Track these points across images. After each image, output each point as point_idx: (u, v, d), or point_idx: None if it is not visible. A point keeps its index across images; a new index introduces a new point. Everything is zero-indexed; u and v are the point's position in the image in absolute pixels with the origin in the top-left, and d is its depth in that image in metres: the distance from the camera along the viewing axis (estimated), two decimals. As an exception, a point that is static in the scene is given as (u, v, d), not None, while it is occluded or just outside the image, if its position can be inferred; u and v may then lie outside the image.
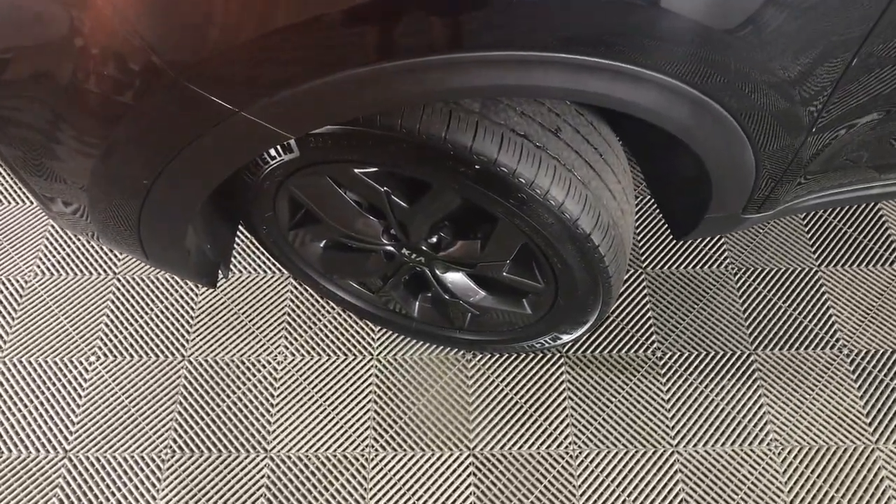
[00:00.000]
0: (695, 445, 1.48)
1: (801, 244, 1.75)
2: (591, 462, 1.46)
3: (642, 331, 1.62)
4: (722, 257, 1.73)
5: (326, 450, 1.48)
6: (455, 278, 1.32)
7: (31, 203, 1.84)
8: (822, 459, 1.46)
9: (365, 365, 1.59)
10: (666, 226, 1.77)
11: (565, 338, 1.35)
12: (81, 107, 0.85)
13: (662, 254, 1.74)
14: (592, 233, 1.00)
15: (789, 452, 1.47)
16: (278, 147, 1.01)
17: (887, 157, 1.19)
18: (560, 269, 1.10)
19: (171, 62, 0.76)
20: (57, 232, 1.79)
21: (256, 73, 0.76)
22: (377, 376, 1.57)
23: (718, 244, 1.76)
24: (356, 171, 1.05)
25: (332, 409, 1.53)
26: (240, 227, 1.65)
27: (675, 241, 1.75)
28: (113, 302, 1.68)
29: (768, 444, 1.48)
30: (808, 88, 0.90)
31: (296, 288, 1.70)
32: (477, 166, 0.92)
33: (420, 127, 0.89)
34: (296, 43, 0.73)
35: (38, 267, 1.74)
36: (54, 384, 1.57)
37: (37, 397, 1.55)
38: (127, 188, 0.97)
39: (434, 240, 1.20)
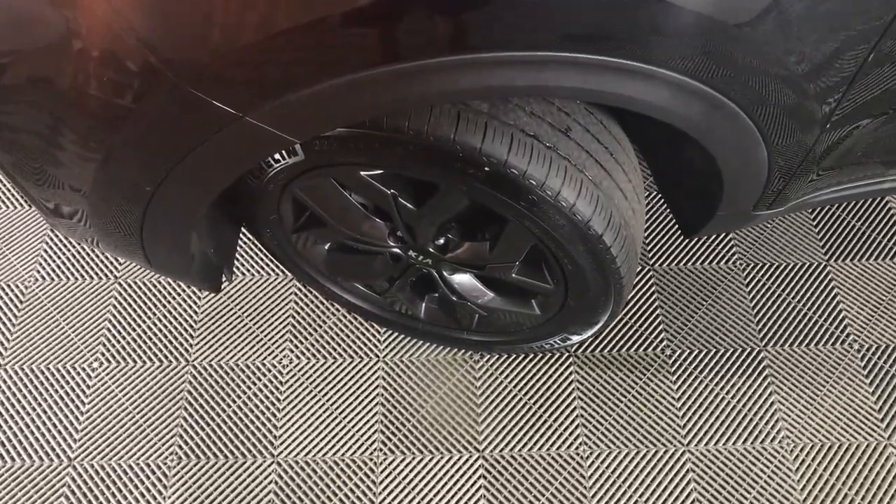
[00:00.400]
0: (706, 444, 1.46)
1: (809, 239, 1.73)
2: (602, 463, 1.44)
3: (651, 328, 1.61)
4: (730, 253, 1.71)
5: (334, 454, 1.46)
6: (462, 280, 1.30)
7: (30, 207, 1.82)
8: (834, 457, 1.44)
9: (371, 367, 1.57)
10: (673, 222, 1.76)
11: (575, 338, 1.33)
12: (80, 112, 0.83)
13: (670, 250, 1.72)
14: (604, 233, 0.98)
15: (801, 450, 1.45)
16: (283, 150, 0.99)
17: (900, 151, 1.17)
18: (571, 270, 1.08)
19: (171, 66, 0.74)
20: (56, 236, 1.77)
21: (261, 77, 0.74)
22: (384, 378, 1.56)
23: (726, 240, 1.74)
24: (362, 173, 1.03)
25: (340, 413, 1.51)
26: (242, 229, 1.63)
27: (682, 238, 1.73)
28: (115, 307, 1.66)
29: (780, 442, 1.46)
30: (824, 83, 0.88)
31: (300, 290, 1.68)
32: (487, 168, 0.90)
33: (428, 129, 0.87)
34: (302, 45, 0.70)
35: (38, 272, 1.72)
36: (57, 391, 1.55)
37: (39, 405, 1.53)
38: (129, 195, 0.94)
39: (441, 241, 1.18)
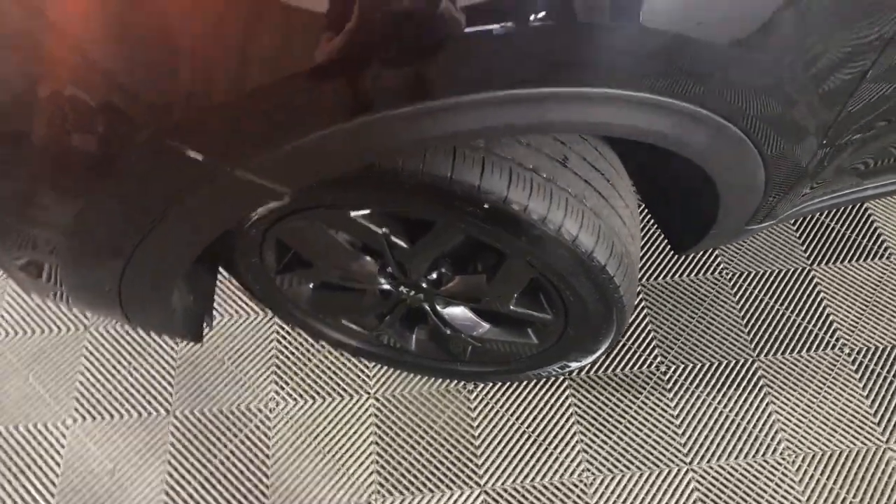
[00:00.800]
0: (708, 461, 1.44)
1: (791, 244, 1.74)
2: (607, 488, 1.41)
3: (644, 345, 1.59)
4: (716, 263, 1.71)
5: (331, 500, 1.40)
6: (456, 312, 1.26)
7: (-12, 257, 1.71)
8: (836, 464, 1.44)
9: (363, 405, 1.51)
10: (658, 235, 1.74)
11: (574, 365, 1.30)
12: (52, 167, 0.77)
13: (656, 264, 1.71)
14: (607, 263, 0.95)
15: (803, 460, 1.44)
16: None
17: (885, 162, 1.17)
18: (572, 300, 1.05)
19: (151, 116, 0.69)
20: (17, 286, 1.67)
21: (251, 127, 0.69)
22: (376, 416, 1.50)
23: (711, 250, 1.73)
24: (352, 213, 0.98)
25: (332, 456, 1.45)
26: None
27: (669, 251, 1.72)
28: (86, 358, 1.57)
29: (781, 454, 1.45)
30: (823, 101, 0.87)
31: (282, 328, 1.62)
32: (486, 205, 0.86)
33: (423, 168, 0.83)
34: (296, 92, 0.66)
35: (1, 326, 1.62)
36: (29, 453, 1.45)
37: (9, 469, 1.44)
38: (107, 252, 0.88)
39: (435, 276, 1.14)
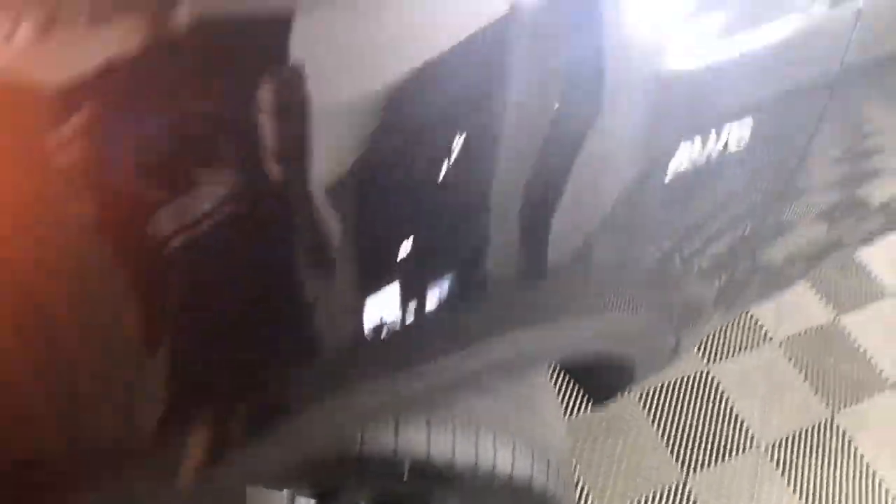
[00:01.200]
0: None
1: (685, 347, 1.76)
2: None
3: (578, 494, 1.50)
4: (622, 384, 1.68)
5: None
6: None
7: None
8: (789, 576, 1.41)
9: None
10: (564, 375, 1.69)
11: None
12: None
13: (570, 400, 1.65)
14: (548, 482, 0.85)
15: (758, 580, 1.40)
16: None
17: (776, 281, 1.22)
18: (513, 519, 0.93)
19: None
20: None
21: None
22: None
23: (613, 371, 1.71)
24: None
25: None
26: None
27: (575, 386, 1.67)
28: None
29: (737, 579, 1.40)
30: (714, 267, 0.87)
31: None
32: (405, 468, 0.73)
33: (329, 441, 0.70)
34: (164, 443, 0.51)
35: None
36: None
37: None
38: None
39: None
